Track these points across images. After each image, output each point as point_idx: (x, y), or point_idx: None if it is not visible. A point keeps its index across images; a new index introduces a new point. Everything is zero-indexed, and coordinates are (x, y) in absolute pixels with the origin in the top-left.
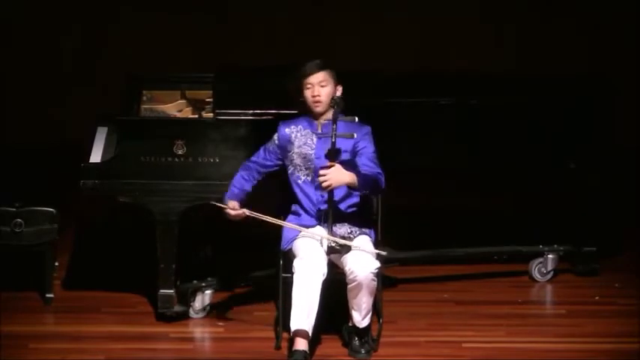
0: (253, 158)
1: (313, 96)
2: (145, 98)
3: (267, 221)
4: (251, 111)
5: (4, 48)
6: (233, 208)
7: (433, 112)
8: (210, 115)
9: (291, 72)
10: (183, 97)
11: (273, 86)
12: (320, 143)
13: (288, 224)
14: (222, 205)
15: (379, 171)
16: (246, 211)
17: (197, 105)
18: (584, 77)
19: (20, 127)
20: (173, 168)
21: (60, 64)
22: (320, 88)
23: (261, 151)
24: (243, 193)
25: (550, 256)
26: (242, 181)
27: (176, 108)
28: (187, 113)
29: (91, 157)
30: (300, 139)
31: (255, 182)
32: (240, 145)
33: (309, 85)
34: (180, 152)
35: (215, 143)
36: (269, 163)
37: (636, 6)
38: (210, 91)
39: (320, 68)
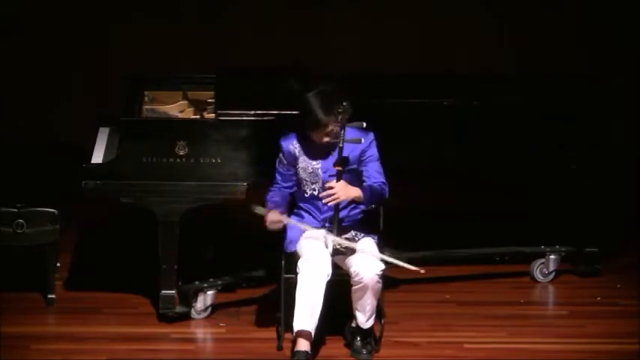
0: (275, 184)
1: (326, 139)
2: (146, 99)
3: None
4: (252, 111)
5: (4, 48)
6: (272, 217)
7: (434, 113)
8: (212, 115)
9: (292, 73)
10: (185, 97)
11: (274, 87)
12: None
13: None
14: (261, 212)
15: (384, 181)
16: (284, 219)
17: (199, 105)
18: (584, 77)
19: (21, 127)
20: (175, 169)
21: (61, 65)
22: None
23: (277, 175)
24: (283, 202)
25: (552, 256)
26: (279, 194)
27: (178, 109)
28: (189, 114)
29: (93, 158)
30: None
31: (289, 197)
32: (241, 146)
33: (326, 131)
34: (181, 153)
35: (217, 144)
36: (290, 183)
37: (636, 6)
38: (212, 92)
39: (337, 116)
